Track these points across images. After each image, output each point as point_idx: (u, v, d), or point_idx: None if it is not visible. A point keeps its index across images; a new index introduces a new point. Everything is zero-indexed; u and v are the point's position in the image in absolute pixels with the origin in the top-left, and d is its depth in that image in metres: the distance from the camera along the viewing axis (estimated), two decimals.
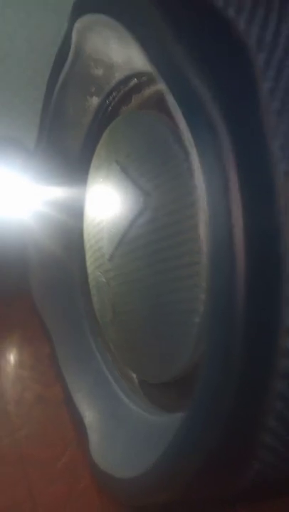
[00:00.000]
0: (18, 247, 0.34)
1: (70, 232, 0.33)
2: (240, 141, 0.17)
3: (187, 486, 0.21)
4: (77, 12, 0.26)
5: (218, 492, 0.22)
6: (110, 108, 0.30)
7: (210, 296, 0.18)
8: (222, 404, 0.18)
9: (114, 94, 0.30)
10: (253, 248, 0.17)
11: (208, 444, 0.19)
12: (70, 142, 0.32)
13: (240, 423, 0.19)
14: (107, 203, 0.27)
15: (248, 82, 0.18)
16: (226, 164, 0.17)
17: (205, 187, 0.18)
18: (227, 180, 0.17)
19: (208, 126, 0.17)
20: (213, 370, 0.18)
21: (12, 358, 0.36)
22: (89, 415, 0.29)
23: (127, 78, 0.28)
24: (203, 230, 0.18)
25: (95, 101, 0.30)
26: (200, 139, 0.18)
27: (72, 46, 0.28)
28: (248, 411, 0.18)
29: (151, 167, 0.24)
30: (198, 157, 0.18)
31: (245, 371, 0.18)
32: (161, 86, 0.20)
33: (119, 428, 0.27)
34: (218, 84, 0.18)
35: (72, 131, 0.32)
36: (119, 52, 0.26)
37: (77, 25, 0.26)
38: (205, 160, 0.18)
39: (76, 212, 0.31)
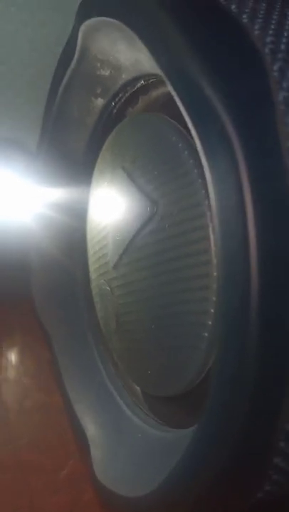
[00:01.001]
0: (20, 250, 0.33)
1: (72, 235, 0.32)
2: (255, 155, 0.17)
3: (195, 506, 0.20)
4: (84, 15, 0.25)
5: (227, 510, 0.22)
6: (116, 110, 0.30)
7: (221, 312, 0.17)
8: (234, 418, 0.18)
9: (120, 95, 0.29)
10: (267, 264, 0.16)
11: (221, 460, 0.18)
12: (73, 144, 0.31)
13: (253, 438, 0.18)
14: (112, 209, 0.27)
15: (263, 92, 0.17)
16: (240, 179, 0.17)
17: (217, 202, 0.17)
18: (242, 196, 0.16)
19: (222, 138, 0.17)
20: (225, 386, 0.18)
21: (13, 365, 0.35)
22: (91, 428, 0.28)
23: (134, 79, 0.27)
24: (213, 243, 0.18)
25: (100, 102, 0.30)
26: (212, 152, 0.17)
27: (78, 47, 0.27)
28: (261, 425, 0.18)
29: (159, 174, 0.23)
30: (210, 170, 0.17)
31: (257, 390, 0.17)
32: (169, 89, 0.19)
33: (122, 443, 0.27)
34: (232, 94, 0.17)
35: (76, 132, 0.31)
36: (126, 53, 0.25)
37: (83, 27, 0.26)
38: (218, 174, 0.17)
39: (79, 215, 0.31)
